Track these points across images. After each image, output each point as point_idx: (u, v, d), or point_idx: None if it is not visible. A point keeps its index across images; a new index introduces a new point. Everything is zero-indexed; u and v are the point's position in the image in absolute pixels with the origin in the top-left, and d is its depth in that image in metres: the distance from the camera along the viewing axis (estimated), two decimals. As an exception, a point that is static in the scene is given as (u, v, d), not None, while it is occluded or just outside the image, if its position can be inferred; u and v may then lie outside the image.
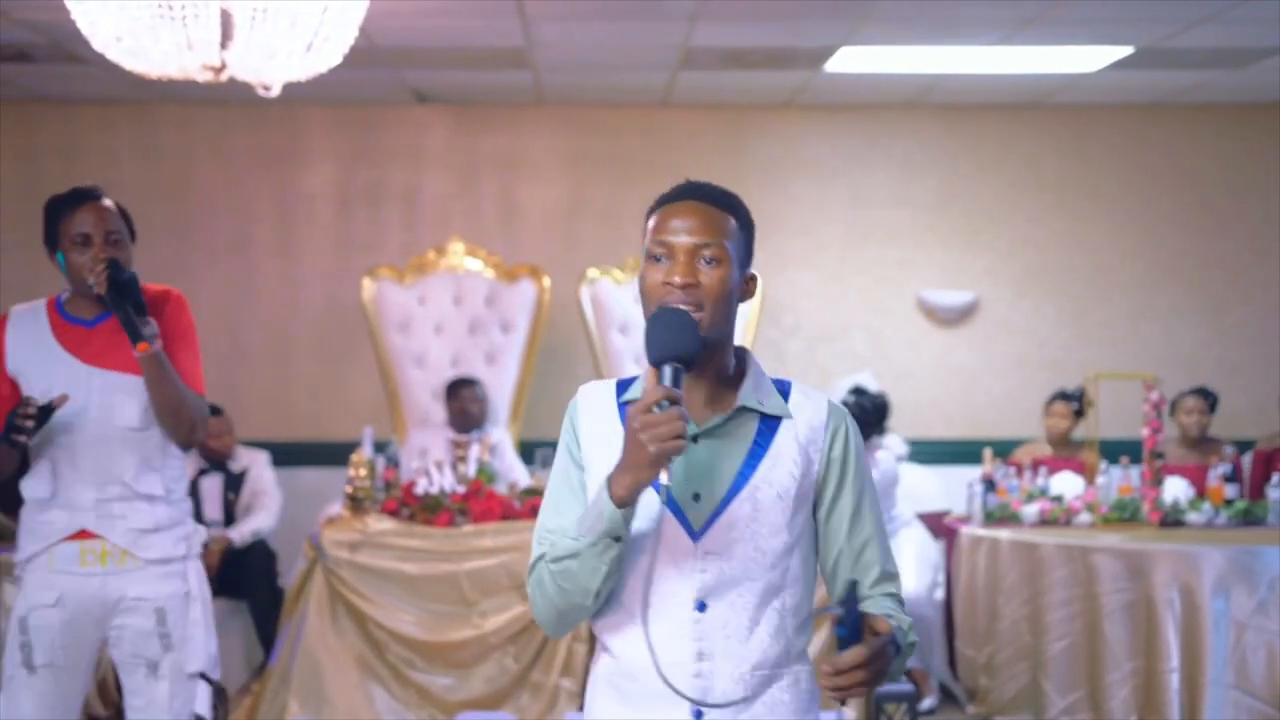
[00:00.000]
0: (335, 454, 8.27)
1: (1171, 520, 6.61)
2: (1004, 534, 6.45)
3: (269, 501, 7.14)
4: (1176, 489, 6.81)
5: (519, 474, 6.99)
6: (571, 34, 6.76)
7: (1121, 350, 8.58)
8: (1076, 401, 7.45)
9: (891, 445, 7.25)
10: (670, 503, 2.29)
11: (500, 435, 7.30)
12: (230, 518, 7.11)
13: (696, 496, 2.31)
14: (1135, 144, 8.66)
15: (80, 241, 3.77)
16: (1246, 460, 7.44)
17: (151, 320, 3.70)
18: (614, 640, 2.36)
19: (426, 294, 7.62)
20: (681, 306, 2.27)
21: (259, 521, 7.05)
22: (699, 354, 2.27)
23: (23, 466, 3.84)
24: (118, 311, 3.65)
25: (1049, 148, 8.66)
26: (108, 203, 3.84)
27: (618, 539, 2.24)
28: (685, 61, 7.27)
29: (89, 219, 3.78)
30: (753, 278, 2.40)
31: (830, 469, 2.38)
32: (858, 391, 7.20)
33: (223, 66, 5.06)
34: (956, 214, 8.67)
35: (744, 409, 2.34)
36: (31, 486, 3.79)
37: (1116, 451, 7.18)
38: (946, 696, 6.85)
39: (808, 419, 2.37)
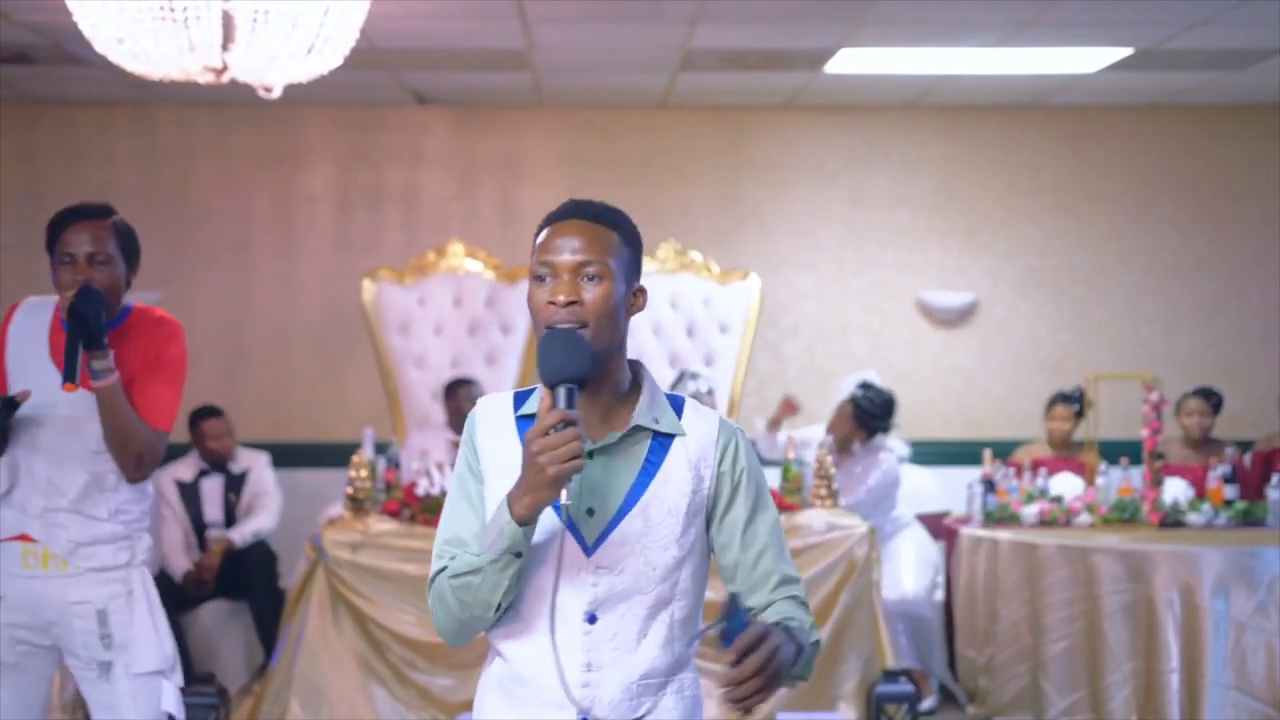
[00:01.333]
0: (334, 455, 8.27)
1: (1171, 521, 6.62)
2: (1004, 535, 6.45)
3: (269, 502, 7.14)
4: (1176, 490, 6.82)
5: (519, 475, 6.98)
6: (571, 36, 6.77)
7: (1120, 351, 8.60)
8: (1076, 403, 7.45)
9: (894, 446, 7.25)
10: (566, 518, 2.33)
11: (499, 436, 7.28)
12: (231, 519, 7.12)
13: (590, 511, 2.37)
14: (1134, 145, 8.67)
15: (66, 260, 3.73)
16: (1247, 461, 7.45)
17: (109, 355, 3.64)
18: (508, 646, 2.42)
19: (426, 295, 7.63)
20: (568, 325, 2.32)
21: (260, 522, 7.06)
22: (590, 374, 2.31)
23: None
24: (68, 342, 3.60)
25: (1048, 149, 8.67)
26: (107, 222, 3.77)
27: (519, 555, 2.30)
28: (685, 63, 7.28)
29: (79, 238, 3.72)
30: (641, 290, 2.44)
31: (721, 483, 2.44)
32: (865, 386, 7.17)
33: (224, 68, 5.06)
34: (955, 215, 8.68)
35: (637, 427, 2.40)
36: None
37: (1116, 452, 7.19)
38: (946, 697, 6.85)
39: (699, 437, 2.44)
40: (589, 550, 2.37)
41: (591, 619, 2.37)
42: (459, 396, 7.32)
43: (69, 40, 6.68)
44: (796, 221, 8.65)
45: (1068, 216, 8.69)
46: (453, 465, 6.06)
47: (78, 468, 3.74)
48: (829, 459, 6.29)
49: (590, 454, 2.37)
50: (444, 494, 5.82)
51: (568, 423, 2.24)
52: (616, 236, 2.39)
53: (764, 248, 8.54)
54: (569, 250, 2.35)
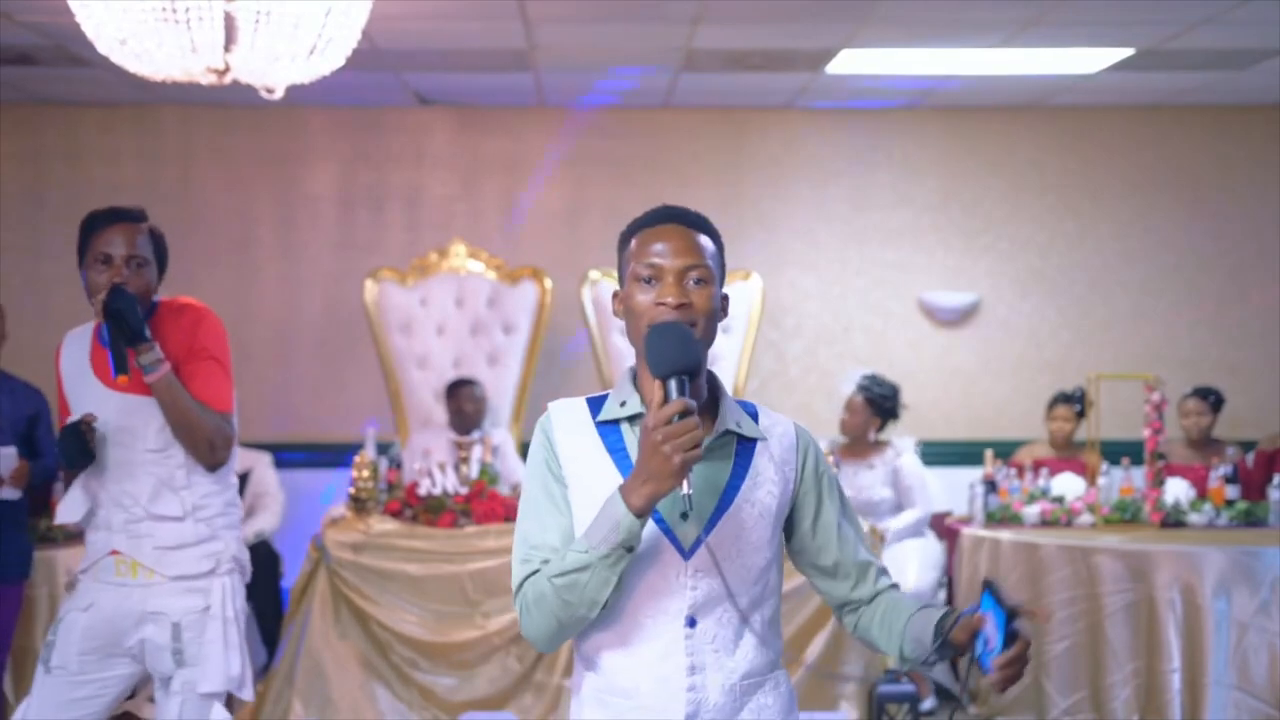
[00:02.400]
0: (336, 455, 8.29)
1: (1173, 521, 6.62)
2: (1005, 535, 6.46)
3: (271, 503, 7.15)
4: (1178, 490, 6.82)
5: (521, 475, 6.99)
6: (573, 36, 6.77)
7: (1122, 351, 8.60)
8: (1078, 403, 7.46)
9: (907, 446, 7.29)
10: (658, 521, 2.37)
11: (502, 436, 7.31)
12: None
13: (684, 515, 2.37)
14: (1136, 145, 8.67)
15: (101, 261, 3.75)
16: (1249, 461, 7.45)
17: (154, 346, 3.68)
18: (604, 658, 2.42)
19: (428, 295, 7.63)
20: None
21: (262, 523, 7.07)
22: (701, 365, 2.37)
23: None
24: (110, 340, 3.66)
25: (1050, 149, 8.67)
26: (142, 226, 3.81)
27: (630, 549, 2.29)
28: (687, 63, 7.28)
29: (115, 240, 3.75)
30: (726, 297, 2.49)
31: (805, 484, 2.50)
32: (871, 379, 7.24)
33: (226, 69, 5.07)
34: (957, 215, 8.68)
35: (726, 431, 2.43)
36: (65, 509, 3.86)
37: (1117, 452, 7.19)
38: (947, 697, 6.85)
39: (779, 440, 2.49)
40: (687, 554, 2.39)
41: (691, 623, 2.38)
42: (460, 397, 7.33)
43: (71, 41, 6.68)
44: (798, 222, 8.65)
45: (1070, 216, 8.69)
46: (455, 466, 6.11)
47: (143, 473, 3.77)
48: (832, 459, 6.31)
49: None
50: (445, 494, 5.84)
51: (688, 411, 2.24)
52: (712, 243, 2.46)
53: (766, 248, 8.55)
54: (673, 254, 2.40)
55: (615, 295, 2.48)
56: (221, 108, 8.38)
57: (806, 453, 2.50)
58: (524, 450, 7.50)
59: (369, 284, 7.65)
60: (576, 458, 2.42)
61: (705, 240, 2.44)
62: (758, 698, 2.43)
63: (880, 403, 7.18)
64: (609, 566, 2.29)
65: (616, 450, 2.42)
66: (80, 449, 3.73)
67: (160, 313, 3.85)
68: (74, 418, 3.79)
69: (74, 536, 6.09)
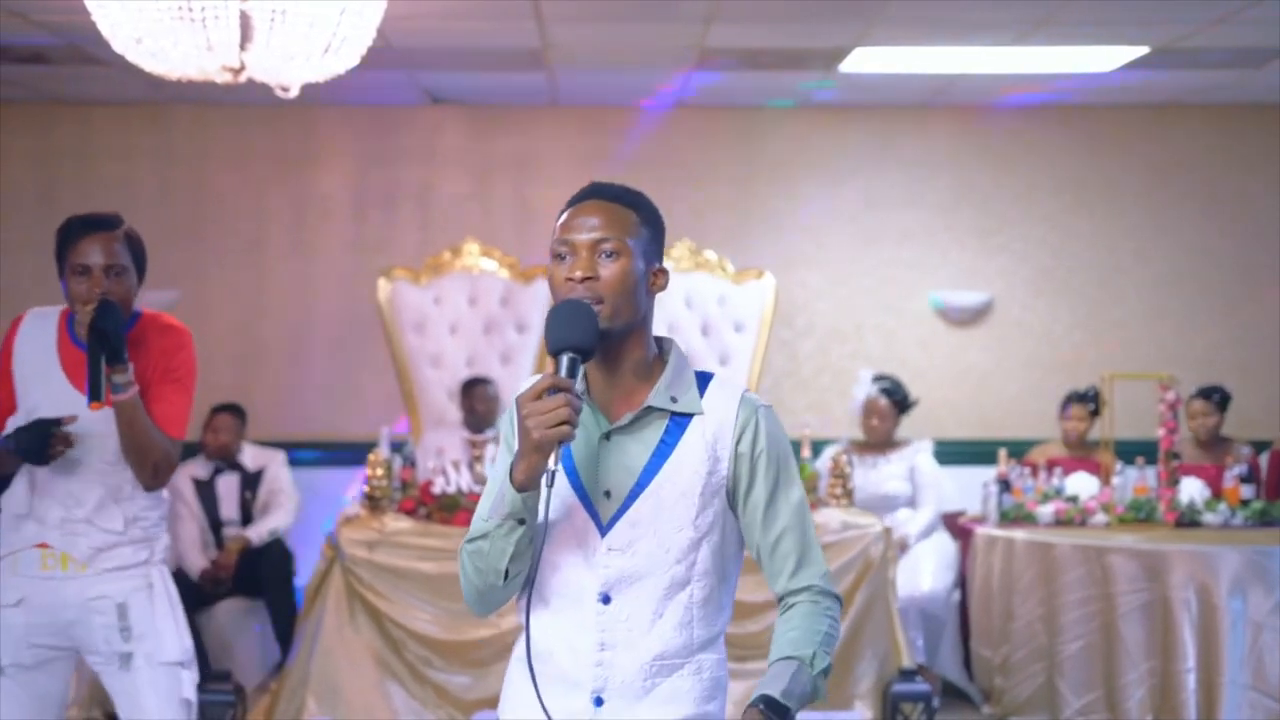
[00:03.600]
0: (349, 453, 8.29)
1: (1187, 521, 6.61)
2: (1019, 534, 6.45)
3: (285, 500, 7.16)
4: (1192, 490, 6.80)
5: (534, 473, 6.98)
6: (587, 35, 6.77)
7: (1135, 351, 8.58)
8: (1091, 403, 7.44)
9: (928, 446, 7.33)
10: (582, 497, 2.39)
11: (515, 435, 7.29)
12: (247, 517, 7.14)
13: (608, 493, 2.39)
14: (1149, 144, 8.66)
15: (79, 271, 3.70)
16: (1263, 461, 7.43)
17: (129, 369, 3.65)
18: (531, 621, 2.42)
19: (442, 294, 7.63)
20: (583, 300, 2.35)
21: (276, 520, 7.08)
22: (595, 344, 2.34)
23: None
24: (90, 359, 3.60)
25: (1063, 148, 8.66)
26: (118, 233, 3.75)
27: (521, 521, 2.33)
28: (701, 62, 7.28)
29: (92, 249, 3.69)
30: (662, 271, 2.46)
31: (740, 463, 2.43)
32: (886, 379, 7.33)
33: (242, 68, 5.07)
34: (970, 214, 8.67)
35: (650, 408, 2.41)
36: (9, 501, 3.83)
37: (1130, 452, 7.18)
38: (961, 697, 6.84)
39: (717, 415, 2.43)
40: (603, 531, 2.40)
41: (605, 599, 2.39)
42: (474, 396, 7.33)
43: (86, 40, 6.69)
44: (810, 221, 8.64)
45: (1083, 216, 8.67)
46: (469, 465, 6.11)
47: (95, 480, 3.76)
48: (844, 458, 6.31)
49: (608, 435, 2.41)
50: (460, 493, 5.84)
51: (559, 389, 2.26)
52: (635, 215, 2.44)
53: (777, 247, 8.54)
54: (587, 229, 2.40)
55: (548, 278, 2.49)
56: (234, 107, 8.39)
57: (744, 429, 2.42)
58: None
59: (382, 283, 7.64)
60: None
61: (625, 212, 2.42)
62: (673, 680, 2.40)
63: (901, 402, 7.27)
64: (503, 536, 2.33)
65: None
66: (39, 450, 3.67)
67: (145, 325, 3.83)
68: (38, 413, 3.71)
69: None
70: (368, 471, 5.96)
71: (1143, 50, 7.02)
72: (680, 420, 2.42)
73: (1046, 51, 7.08)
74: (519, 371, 7.62)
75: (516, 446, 2.34)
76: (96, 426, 3.72)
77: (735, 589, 2.50)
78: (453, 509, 5.84)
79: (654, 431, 2.41)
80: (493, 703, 5.58)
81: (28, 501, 3.79)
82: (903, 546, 6.88)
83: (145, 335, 3.81)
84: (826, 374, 8.62)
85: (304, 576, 7.44)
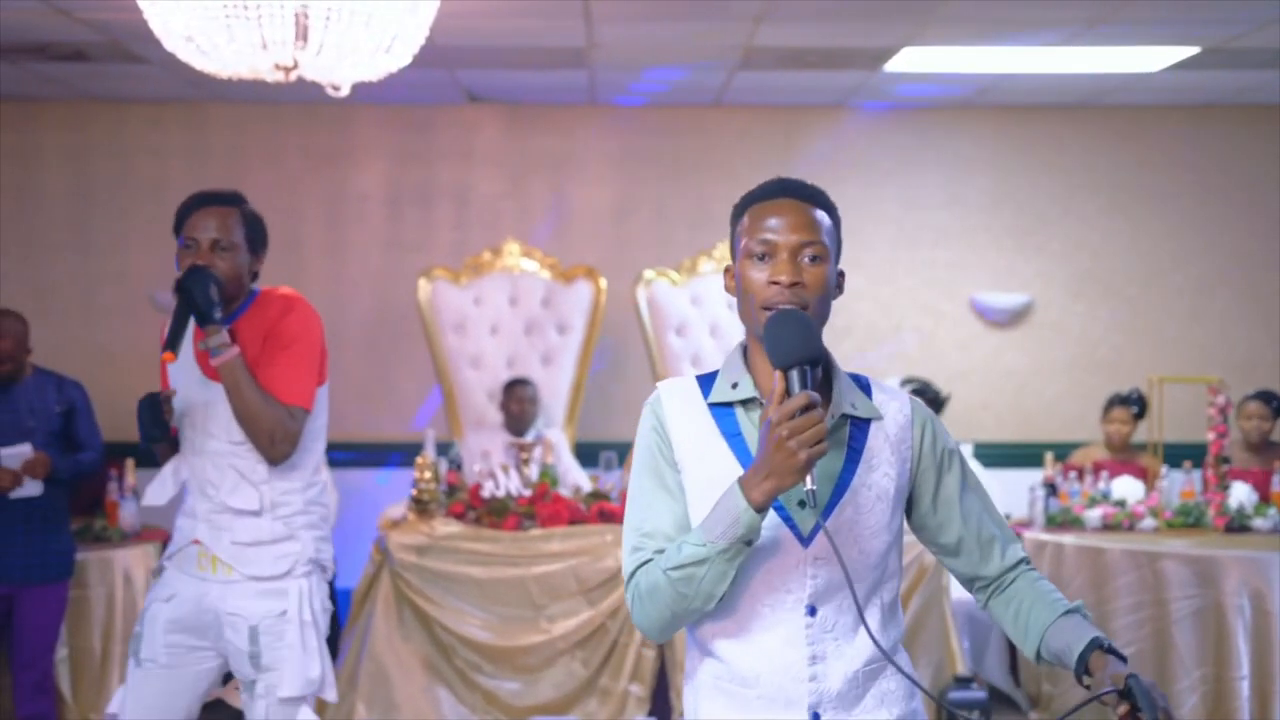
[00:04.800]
0: (384, 455, 8.25)
1: (1237, 526, 6.54)
2: (1068, 539, 6.39)
3: (328, 497, 7.08)
4: (1241, 494, 6.73)
5: (577, 476, 6.95)
6: (634, 34, 6.70)
7: (1176, 353, 8.51)
8: (1135, 405, 7.38)
9: (969, 450, 7.27)
10: (778, 508, 2.30)
11: (557, 437, 7.25)
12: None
13: (801, 504, 2.30)
14: (1190, 145, 8.59)
15: (189, 245, 3.70)
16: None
17: (222, 329, 3.61)
18: (723, 646, 2.35)
19: (482, 295, 7.58)
20: (788, 306, 2.27)
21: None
22: (823, 355, 2.29)
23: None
24: (174, 316, 3.60)
25: (1103, 149, 8.59)
26: (234, 210, 3.76)
27: (749, 543, 2.23)
28: (745, 61, 7.21)
29: (204, 223, 3.70)
30: (842, 274, 2.41)
31: (924, 462, 2.41)
32: (917, 381, 7.29)
33: (295, 66, 5.01)
34: (1009, 215, 8.61)
35: (842, 415, 2.34)
36: (153, 492, 3.81)
37: (1173, 455, 7.11)
38: (1007, 702, 6.78)
39: (895, 418, 2.39)
40: (806, 542, 2.33)
41: (812, 611, 2.33)
42: (510, 396, 7.28)
43: (127, 38, 6.65)
44: (848, 221, 8.32)
45: (1122, 217, 8.61)
46: (518, 468, 6.06)
47: (224, 463, 3.72)
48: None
49: None
50: (509, 496, 5.78)
51: (811, 405, 2.17)
52: (828, 218, 2.36)
53: (816, 247, 8.45)
54: (788, 229, 2.32)
55: (727, 270, 2.40)
56: (270, 106, 8.33)
57: (924, 429, 2.41)
58: (579, 451, 7.47)
59: (422, 283, 7.59)
60: (690, 442, 2.35)
61: (821, 215, 2.35)
62: (880, 683, 2.36)
63: (934, 399, 7.24)
64: (727, 560, 2.23)
65: (732, 435, 2.35)
66: (154, 420, 3.64)
67: (260, 301, 3.80)
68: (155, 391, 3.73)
69: (129, 537, 6.07)
70: (415, 474, 5.90)
71: (1193, 50, 6.94)
72: (861, 425, 2.37)
73: (1094, 52, 7.01)
74: (560, 373, 7.57)
75: (696, 465, 2.29)
76: (217, 406, 3.68)
77: None
78: (503, 513, 5.78)
79: (841, 438, 2.35)
80: (542, 709, 5.54)
81: (170, 492, 3.77)
82: None
83: (254, 309, 3.79)
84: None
85: (341, 578, 7.39)
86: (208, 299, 3.57)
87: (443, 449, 6.45)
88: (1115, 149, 8.59)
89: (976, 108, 8.51)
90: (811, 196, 2.37)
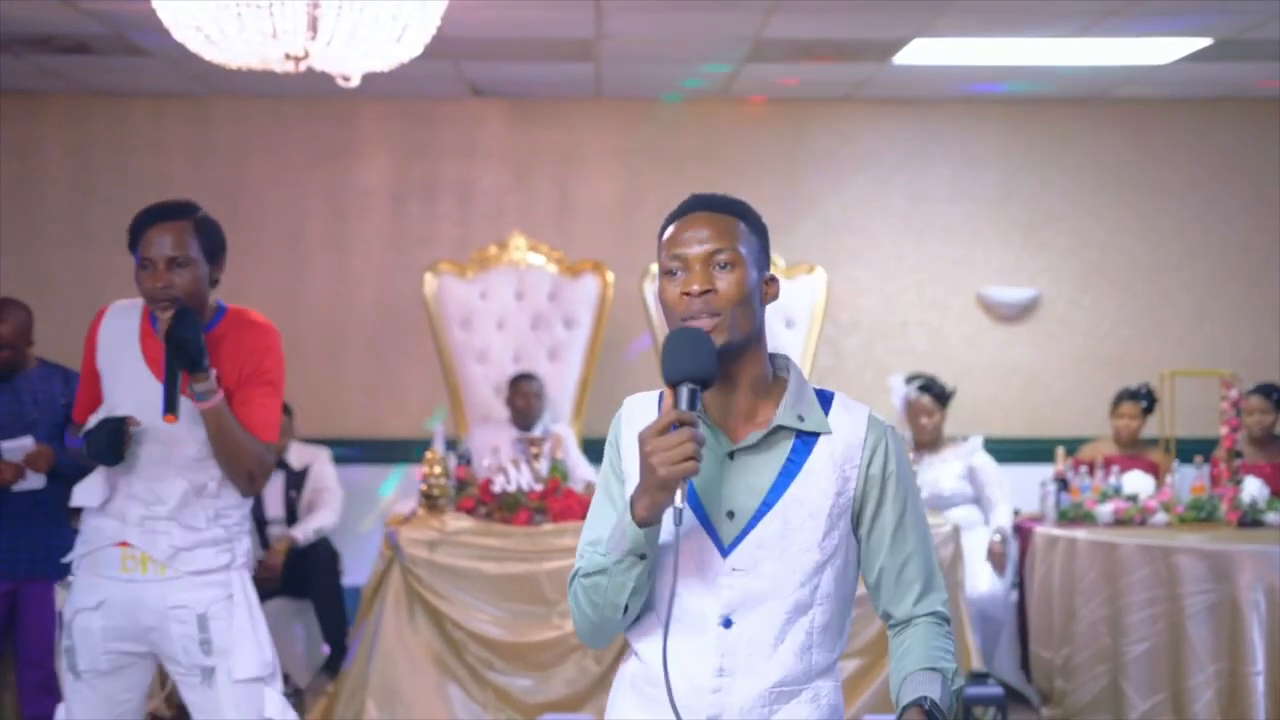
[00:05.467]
0: (390, 451, 8.20)
1: (1250, 520, 6.51)
2: (1081, 534, 6.35)
3: (331, 499, 7.04)
4: (1253, 489, 6.70)
5: (584, 471, 6.90)
6: (643, 25, 6.64)
7: (1185, 348, 8.48)
8: (1144, 400, 7.36)
9: (980, 444, 7.25)
10: (703, 519, 2.31)
11: (564, 432, 7.20)
12: (292, 516, 7.02)
13: (731, 514, 2.31)
14: (1198, 139, 8.55)
15: (144, 265, 3.64)
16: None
17: (210, 376, 3.58)
18: (641, 645, 2.38)
19: (489, 289, 7.52)
20: (699, 321, 2.28)
21: (322, 519, 6.96)
22: (715, 374, 2.26)
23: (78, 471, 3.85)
24: (166, 369, 3.55)
25: (1111, 143, 8.56)
26: (186, 223, 3.66)
27: (642, 556, 2.26)
28: (754, 53, 7.16)
29: (159, 240, 3.61)
30: (773, 280, 2.39)
31: (869, 485, 2.36)
32: (922, 378, 7.25)
33: (305, 56, 4.96)
34: (1017, 209, 8.57)
35: (779, 426, 2.33)
36: (82, 494, 3.76)
37: (1183, 450, 7.08)
38: (1018, 699, 6.74)
39: (845, 435, 2.36)
40: (725, 552, 2.31)
41: (727, 623, 2.31)
42: (515, 391, 7.24)
43: (132, 29, 6.59)
44: (855, 216, 8.54)
45: (1130, 212, 8.57)
46: (528, 463, 6.01)
47: (177, 477, 3.68)
48: (910, 456, 6.22)
49: (731, 454, 2.33)
50: (520, 492, 5.73)
51: (683, 423, 2.18)
52: (742, 225, 2.36)
53: (822, 242, 8.43)
54: (698, 241, 2.32)
55: (657, 294, 2.41)
56: (273, 100, 8.28)
57: (875, 450, 2.36)
58: (586, 446, 7.43)
59: (428, 277, 7.53)
60: (634, 456, 2.32)
61: (734, 223, 2.34)
62: (791, 708, 2.32)
63: (941, 394, 7.20)
64: (623, 571, 2.27)
65: None
66: (112, 448, 3.61)
67: (230, 322, 3.76)
68: (119, 408, 3.66)
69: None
70: (424, 470, 5.85)
71: (1206, 42, 6.90)
72: (807, 439, 2.35)
73: (1105, 44, 6.96)
74: (567, 368, 7.52)
75: (637, 479, 2.26)
76: (177, 428, 3.64)
77: (853, 616, 2.44)
78: (514, 508, 5.73)
79: (780, 450, 2.33)
80: (555, 706, 5.49)
81: (102, 495, 3.71)
82: (1003, 543, 6.87)
83: (229, 334, 3.73)
84: (870, 371, 8.51)
85: (348, 575, 7.35)
86: (199, 347, 3.53)
87: (451, 444, 6.41)
88: (1124, 143, 8.56)
89: (985, 101, 8.47)
90: (724, 206, 2.37)
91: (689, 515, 2.28)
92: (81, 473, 5.33)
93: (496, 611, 5.58)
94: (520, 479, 5.77)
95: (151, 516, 3.67)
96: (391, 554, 5.62)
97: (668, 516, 2.24)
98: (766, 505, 2.31)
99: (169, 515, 3.67)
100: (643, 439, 2.19)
